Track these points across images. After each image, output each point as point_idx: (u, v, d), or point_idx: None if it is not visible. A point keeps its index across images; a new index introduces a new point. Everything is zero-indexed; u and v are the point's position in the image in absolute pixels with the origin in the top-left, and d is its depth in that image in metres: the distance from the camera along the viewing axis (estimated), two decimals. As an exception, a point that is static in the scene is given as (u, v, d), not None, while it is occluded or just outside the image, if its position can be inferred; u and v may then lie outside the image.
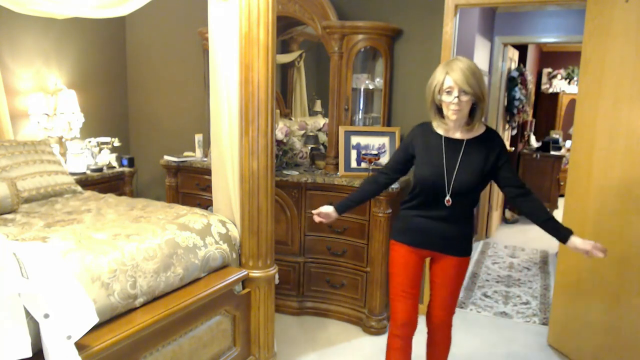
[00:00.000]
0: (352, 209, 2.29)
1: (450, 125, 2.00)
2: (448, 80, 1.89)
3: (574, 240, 1.87)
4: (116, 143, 4.01)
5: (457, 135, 2.00)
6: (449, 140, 2.00)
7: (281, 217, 3.25)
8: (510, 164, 2.01)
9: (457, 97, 1.87)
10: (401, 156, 2.12)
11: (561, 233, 1.91)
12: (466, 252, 2.12)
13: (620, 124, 2.52)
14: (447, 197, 1.97)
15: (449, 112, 1.91)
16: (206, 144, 3.77)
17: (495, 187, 5.44)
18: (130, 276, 1.86)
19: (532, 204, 1.96)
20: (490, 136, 2.01)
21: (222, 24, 2.34)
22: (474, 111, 1.95)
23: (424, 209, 2.05)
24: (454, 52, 3.20)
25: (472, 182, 1.96)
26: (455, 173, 1.96)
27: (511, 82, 5.43)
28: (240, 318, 2.37)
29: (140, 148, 4.60)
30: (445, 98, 1.91)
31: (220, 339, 2.27)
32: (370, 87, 3.44)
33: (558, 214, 5.54)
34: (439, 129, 2.03)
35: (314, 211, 2.20)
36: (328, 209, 2.18)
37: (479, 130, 2.01)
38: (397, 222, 2.17)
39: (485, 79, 4.72)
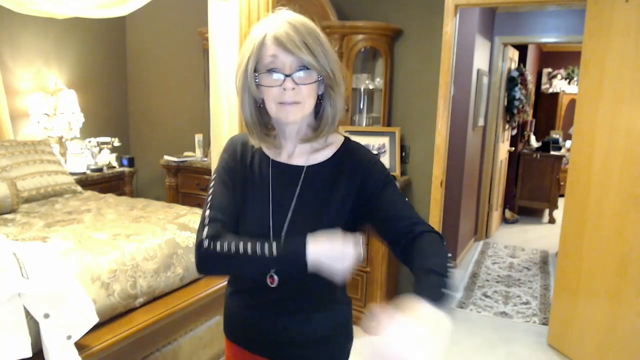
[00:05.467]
0: None
1: (280, 140, 1.12)
2: (270, 44, 1.00)
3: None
4: (116, 143, 4.02)
5: (295, 158, 1.12)
6: (280, 167, 1.12)
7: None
8: (397, 189, 1.08)
9: (290, 76, 1.00)
10: (231, 196, 1.11)
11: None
12: None
13: (620, 124, 2.52)
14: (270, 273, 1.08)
15: (279, 110, 1.03)
16: (206, 144, 3.78)
17: (495, 185, 5.44)
18: (130, 276, 1.86)
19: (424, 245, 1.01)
20: (353, 154, 1.11)
21: (222, 24, 2.34)
22: (320, 108, 1.08)
23: (249, 291, 1.17)
24: (454, 52, 3.20)
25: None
26: (285, 226, 1.08)
27: (511, 82, 5.43)
28: (240, 318, 2.37)
29: (140, 148, 4.60)
30: (268, 80, 1.02)
31: (220, 339, 2.27)
32: (370, 87, 3.44)
33: (558, 214, 5.55)
34: (265, 147, 1.14)
35: None
36: None
37: (331, 144, 1.12)
38: (225, 311, 1.27)
39: (485, 79, 4.75)
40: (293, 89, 1.01)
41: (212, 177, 1.15)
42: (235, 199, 1.11)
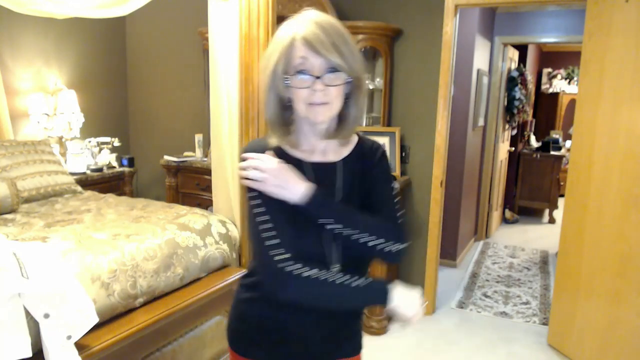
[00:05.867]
0: None
1: (309, 138, 1.13)
2: (299, 45, 1.02)
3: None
4: (116, 143, 4.01)
5: (329, 154, 1.15)
6: (318, 166, 1.13)
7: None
8: (393, 190, 1.17)
9: (319, 78, 1.02)
10: (286, 213, 1.06)
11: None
12: (360, 346, 1.31)
13: (620, 124, 2.52)
14: (335, 267, 1.10)
15: (309, 110, 1.05)
16: (206, 144, 3.78)
17: (495, 185, 5.44)
18: (130, 276, 1.86)
19: None
20: (368, 144, 1.19)
21: (222, 24, 2.34)
22: (346, 107, 1.10)
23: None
24: (454, 52, 3.20)
25: None
26: None
27: (511, 82, 5.43)
28: (240, 318, 2.37)
29: (140, 148, 4.60)
30: (297, 82, 1.03)
31: (220, 339, 2.27)
32: (370, 87, 3.44)
33: (558, 214, 5.55)
34: (293, 149, 1.13)
35: None
36: None
37: (352, 140, 1.18)
38: (236, 322, 1.23)
39: (485, 79, 4.75)
40: (322, 90, 1.03)
41: (254, 194, 1.07)
42: (289, 212, 1.06)
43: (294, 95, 1.05)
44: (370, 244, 1.07)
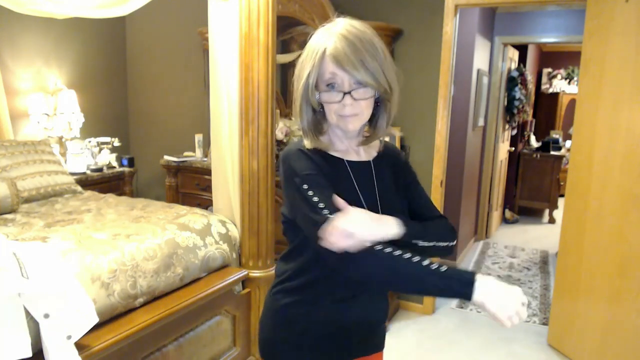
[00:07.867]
0: None
1: (343, 140, 1.18)
2: (329, 61, 1.05)
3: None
4: (116, 143, 4.02)
5: (362, 154, 1.20)
6: (355, 165, 1.17)
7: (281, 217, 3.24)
8: (420, 184, 1.28)
9: (349, 93, 1.06)
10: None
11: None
12: (384, 341, 1.33)
13: (620, 124, 2.52)
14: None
15: (339, 120, 1.09)
16: (206, 144, 3.78)
17: (495, 185, 5.44)
18: (130, 276, 1.86)
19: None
20: (391, 148, 1.28)
21: (222, 24, 2.34)
22: (376, 112, 1.15)
23: (335, 290, 1.16)
24: (454, 52, 3.20)
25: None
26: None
27: (511, 82, 5.43)
28: (240, 318, 2.37)
29: (140, 148, 4.60)
30: (328, 96, 1.08)
31: (220, 339, 2.27)
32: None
33: (558, 214, 5.55)
34: (329, 150, 1.16)
35: None
36: None
37: (376, 142, 1.25)
38: (280, 329, 1.21)
39: (485, 79, 4.75)
40: (351, 104, 1.07)
41: (296, 182, 1.07)
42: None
43: (325, 106, 1.10)
44: (437, 246, 1.13)
